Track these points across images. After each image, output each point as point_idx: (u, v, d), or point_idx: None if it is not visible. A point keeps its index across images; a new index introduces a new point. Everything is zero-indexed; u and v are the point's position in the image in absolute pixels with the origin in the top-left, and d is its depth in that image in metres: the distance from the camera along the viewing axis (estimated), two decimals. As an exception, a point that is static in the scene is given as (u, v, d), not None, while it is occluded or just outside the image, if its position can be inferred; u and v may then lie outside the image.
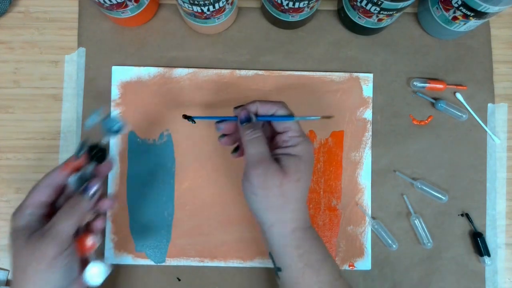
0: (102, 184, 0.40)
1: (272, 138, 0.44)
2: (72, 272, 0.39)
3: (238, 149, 0.45)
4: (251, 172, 0.40)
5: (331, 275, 0.40)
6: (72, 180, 0.40)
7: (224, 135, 0.45)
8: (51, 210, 0.40)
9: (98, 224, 0.42)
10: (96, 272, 0.40)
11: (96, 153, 0.40)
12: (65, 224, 0.38)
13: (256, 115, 0.43)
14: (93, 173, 0.41)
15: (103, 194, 0.41)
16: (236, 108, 0.44)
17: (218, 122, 0.45)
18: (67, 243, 0.38)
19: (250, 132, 0.41)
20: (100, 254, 0.50)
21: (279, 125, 0.42)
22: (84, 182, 0.40)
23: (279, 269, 0.41)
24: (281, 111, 0.42)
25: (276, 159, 0.41)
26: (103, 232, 0.50)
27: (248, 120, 0.42)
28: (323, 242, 0.43)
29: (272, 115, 0.42)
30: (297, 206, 0.40)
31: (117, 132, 0.41)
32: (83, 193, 0.39)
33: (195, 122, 0.50)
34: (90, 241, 0.41)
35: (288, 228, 0.40)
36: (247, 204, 0.42)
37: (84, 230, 0.42)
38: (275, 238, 0.40)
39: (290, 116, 0.42)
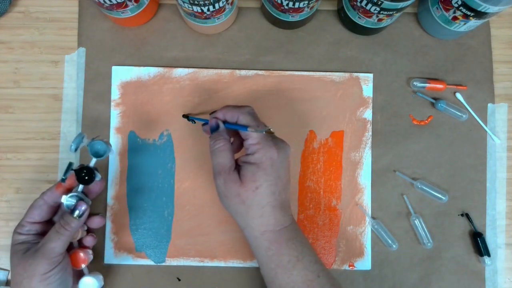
0: (89, 205, 0.43)
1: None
2: (66, 285, 0.42)
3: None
4: (215, 181, 0.42)
5: (306, 276, 0.41)
6: (63, 199, 0.43)
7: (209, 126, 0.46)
8: (48, 227, 0.44)
9: (88, 240, 0.46)
10: (89, 284, 0.44)
11: (83, 175, 0.42)
12: (56, 242, 0.41)
13: (225, 121, 0.44)
14: (83, 192, 0.44)
15: (95, 212, 0.46)
16: (211, 113, 0.45)
17: (203, 124, 0.47)
18: (58, 260, 0.41)
19: (213, 143, 0.43)
20: (99, 255, 0.50)
21: (242, 132, 0.43)
22: (77, 201, 0.43)
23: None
24: (242, 118, 0.42)
25: (239, 167, 0.42)
26: (103, 234, 0.51)
27: (214, 129, 0.43)
28: (306, 241, 0.43)
29: (236, 122, 0.43)
30: (262, 212, 0.41)
31: (102, 156, 0.43)
32: (72, 213, 0.42)
33: (195, 122, 0.50)
34: (83, 256, 0.44)
35: (256, 232, 0.42)
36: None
37: (78, 245, 0.46)
38: (248, 240, 0.43)
39: (244, 126, 0.42)
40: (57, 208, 0.45)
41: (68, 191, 0.44)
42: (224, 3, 0.45)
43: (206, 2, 0.44)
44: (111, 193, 0.51)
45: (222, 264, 0.51)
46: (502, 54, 0.55)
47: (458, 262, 0.52)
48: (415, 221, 0.52)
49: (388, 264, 0.52)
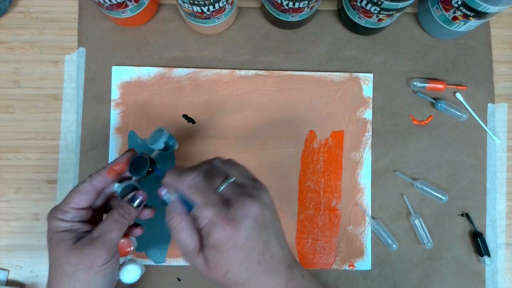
0: (146, 195, 0.40)
1: None
2: (115, 276, 0.40)
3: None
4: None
5: None
6: (118, 188, 0.41)
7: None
8: (91, 213, 0.41)
9: (138, 231, 0.43)
10: (132, 272, 0.42)
11: (143, 165, 0.40)
12: (116, 232, 0.38)
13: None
14: (136, 185, 0.41)
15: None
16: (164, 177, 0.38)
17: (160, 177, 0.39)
18: (115, 250, 0.39)
19: (168, 220, 0.36)
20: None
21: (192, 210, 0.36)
22: (128, 192, 0.41)
23: None
24: (187, 193, 0.35)
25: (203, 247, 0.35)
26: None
27: (165, 203, 0.37)
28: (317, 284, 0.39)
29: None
30: (257, 282, 0.35)
31: (168, 149, 0.42)
32: (131, 202, 0.40)
33: (194, 122, 0.50)
34: (129, 246, 0.42)
35: None
36: None
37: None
38: None
39: (162, 173, 0.37)
40: (102, 195, 0.42)
41: (119, 178, 0.41)
42: (224, 3, 0.45)
43: (206, 2, 0.44)
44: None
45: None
46: (502, 54, 0.55)
47: (458, 262, 0.52)
48: (415, 221, 0.52)
49: (388, 264, 0.52)
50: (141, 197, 0.40)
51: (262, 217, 0.35)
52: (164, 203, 0.37)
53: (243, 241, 0.34)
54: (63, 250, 0.37)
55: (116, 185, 0.41)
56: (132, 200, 0.40)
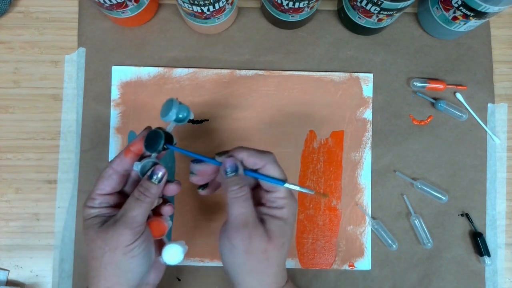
0: (167, 170, 0.39)
1: (254, 188, 0.41)
2: (150, 257, 0.39)
3: (207, 185, 0.42)
4: (234, 234, 0.37)
5: None
6: (137, 166, 0.39)
7: (204, 187, 0.41)
8: (121, 198, 0.40)
9: (167, 209, 0.42)
10: (174, 252, 0.41)
11: (160, 139, 0.38)
12: (137, 210, 0.37)
13: (244, 167, 0.38)
14: (155, 161, 0.40)
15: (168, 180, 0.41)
16: (219, 154, 0.39)
17: (194, 161, 0.40)
18: (141, 229, 0.37)
19: (236, 189, 0.37)
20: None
21: (266, 183, 0.39)
22: (148, 169, 0.39)
23: None
24: (270, 169, 0.38)
25: (261, 219, 0.38)
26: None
27: (234, 171, 0.37)
28: None
29: (258, 170, 0.38)
30: (277, 269, 0.38)
31: (183, 121, 0.40)
32: (150, 178, 0.38)
33: (194, 123, 0.50)
34: (162, 224, 0.40)
35: None
36: (223, 263, 0.40)
37: (153, 214, 0.42)
38: None
39: (281, 180, 0.38)
40: (127, 177, 0.41)
41: (138, 157, 0.40)
42: (224, 3, 0.45)
43: (206, 2, 0.44)
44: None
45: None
46: (502, 54, 0.55)
47: (458, 262, 0.52)
48: (415, 221, 0.52)
49: (388, 264, 0.52)
50: (160, 172, 0.38)
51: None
52: (233, 172, 0.37)
53: (295, 221, 0.39)
54: (91, 235, 0.37)
55: (136, 164, 0.39)
56: (151, 176, 0.38)
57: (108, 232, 0.36)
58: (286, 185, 0.37)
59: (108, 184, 0.39)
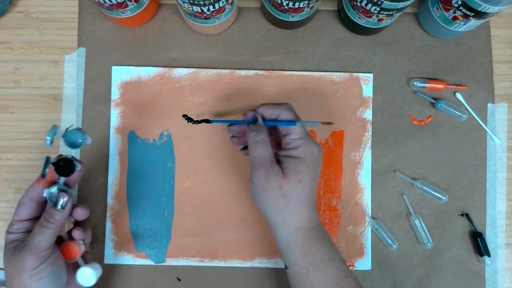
0: (71, 196, 0.42)
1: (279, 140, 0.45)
2: (59, 278, 0.42)
3: (246, 148, 0.46)
4: (253, 174, 0.42)
5: (337, 275, 0.41)
6: (46, 193, 0.42)
7: (244, 149, 0.48)
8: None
9: (76, 233, 0.44)
10: (86, 275, 0.43)
11: (62, 167, 0.41)
12: (41, 236, 0.40)
13: (263, 118, 0.44)
14: (66, 184, 0.43)
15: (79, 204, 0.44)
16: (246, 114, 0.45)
17: (229, 125, 0.48)
18: (46, 254, 0.40)
19: (254, 134, 0.42)
20: (99, 255, 0.51)
21: (282, 128, 0.44)
22: (58, 192, 0.42)
23: (286, 267, 0.43)
24: (284, 114, 0.43)
25: (279, 161, 0.42)
26: (97, 235, 0.51)
27: (254, 121, 0.43)
28: (333, 241, 0.43)
29: (276, 119, 0.44)
30: (300, 206, 0.41)
31: (78, 146, 0.42)
32: (55, 205, 0.41)
33: (194, 123, 0.50)
34: (74, 248, 0.43)
35: (291, 228, 0.41)
36: (254, 203, 0.43)
37: (68, 238, 0.44)
38: (280, 237, 0.42)
39: (292, 121, 0.43)
40: (44, 203, 0.44)
41: (50, 184, 0.43)
42: (224, 3, 0.45)
43: (206, 2, 0.44)
44: (111, 193, 0.51)
45: (222, 264, 0.51)
46: (502, 54, 0.55)
47: (458, 262, 0.52)
48: (415, 221, 0.52)
49: (388, 264, 0.52)
50: (62, 200, 0.41)
51: (322, 162, 0.44)
52: (253, 122, 0.43)
53: (317, 162, 0.42)
54: (6, 259, 0.41)
55: (45, 191, 0.42)
56: (55, 203, 0.41)
57: (15, 257, 0.40)
58: (296, 124, 0.42)
59: (24, 211, 0.42)
